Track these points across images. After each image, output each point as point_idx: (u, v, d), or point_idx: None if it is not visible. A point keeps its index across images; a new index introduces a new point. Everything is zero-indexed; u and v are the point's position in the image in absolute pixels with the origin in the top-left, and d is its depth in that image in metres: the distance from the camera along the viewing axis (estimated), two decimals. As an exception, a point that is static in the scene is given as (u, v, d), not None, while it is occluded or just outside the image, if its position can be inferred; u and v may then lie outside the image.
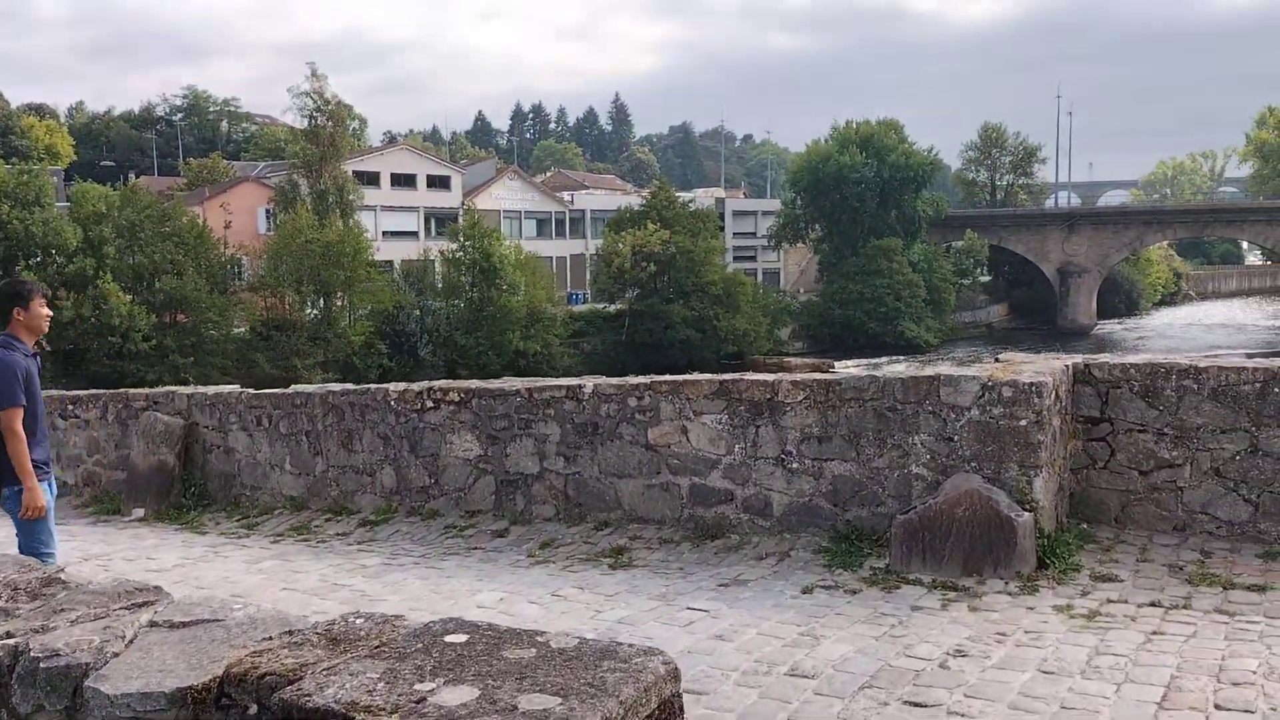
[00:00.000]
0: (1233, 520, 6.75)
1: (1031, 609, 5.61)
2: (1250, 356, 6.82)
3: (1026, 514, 6.20)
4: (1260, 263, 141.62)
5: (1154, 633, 5.20)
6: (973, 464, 6.50)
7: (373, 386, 9.18)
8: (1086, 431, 7.08)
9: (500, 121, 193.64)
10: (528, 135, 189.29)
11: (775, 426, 7.17)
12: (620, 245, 67.25)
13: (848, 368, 67.33)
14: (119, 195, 54.40)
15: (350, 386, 9.55)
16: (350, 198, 64.36)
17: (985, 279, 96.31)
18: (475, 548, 7.74)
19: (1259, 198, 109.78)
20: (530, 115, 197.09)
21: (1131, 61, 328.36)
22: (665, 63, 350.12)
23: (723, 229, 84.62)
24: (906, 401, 6.77)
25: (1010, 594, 5.91)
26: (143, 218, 52.39)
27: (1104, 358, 7.17)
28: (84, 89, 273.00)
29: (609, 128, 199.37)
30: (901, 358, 70.65)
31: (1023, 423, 6.39)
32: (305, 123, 64.38)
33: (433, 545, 7.91)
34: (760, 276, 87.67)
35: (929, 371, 6.67)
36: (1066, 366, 6.95)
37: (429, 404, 8.54)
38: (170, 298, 50.17)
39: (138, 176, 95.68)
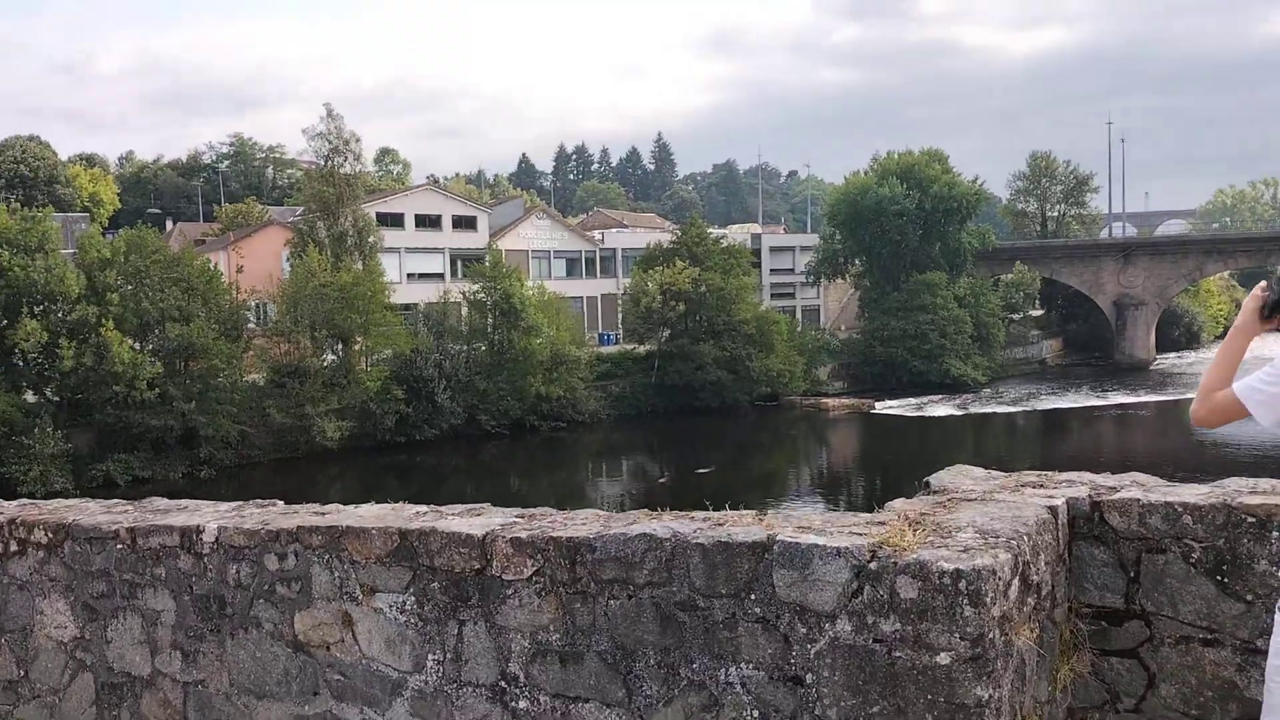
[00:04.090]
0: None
1: None
2: None
3: None
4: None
5: None
6: (842, 737, 3.07)
7: (-55, 514, 5.81)
8: (1099, 637, 3.60)
9: (544, 163, 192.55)
10: (570, 177, 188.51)
11: (490, 625, 3.77)
12: (649, 284, 64.47)
13: (887, 407, 63.39)
14: (124, 240, 52.67)
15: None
16: (370, 239, 62.16)
17: (1037, 313, 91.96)
18: (6, 823, 4.46)
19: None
20: (573, 156, 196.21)
21: (1186, 91, 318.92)
22: (713, 101, 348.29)
23: (758, 265, 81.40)
24: (714, 593, 3.32)
25: None
26: (149, 263, 50.46)
27: (1130, 490, 3.65)
28: (146, 140, 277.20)
29: (652, 167, 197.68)
30: (944, 396, 66.64)
31: (942, 659, 2.94)
32: (322, 164, 62.60)
33: (-49, 810, 4.65)
34: (799, 314, 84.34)
35: (742, 535, 3.24)
36: (1052, 511, 3.47)
37: (13, 547, 5.25)
38: (178, 345, 48.11)
39: (175, 223, 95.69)
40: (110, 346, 45.84)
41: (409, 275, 70.59)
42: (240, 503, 4.85)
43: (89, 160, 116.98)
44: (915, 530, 3.18)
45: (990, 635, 2.90)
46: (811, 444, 59.46)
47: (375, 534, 3.96)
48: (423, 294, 65.05)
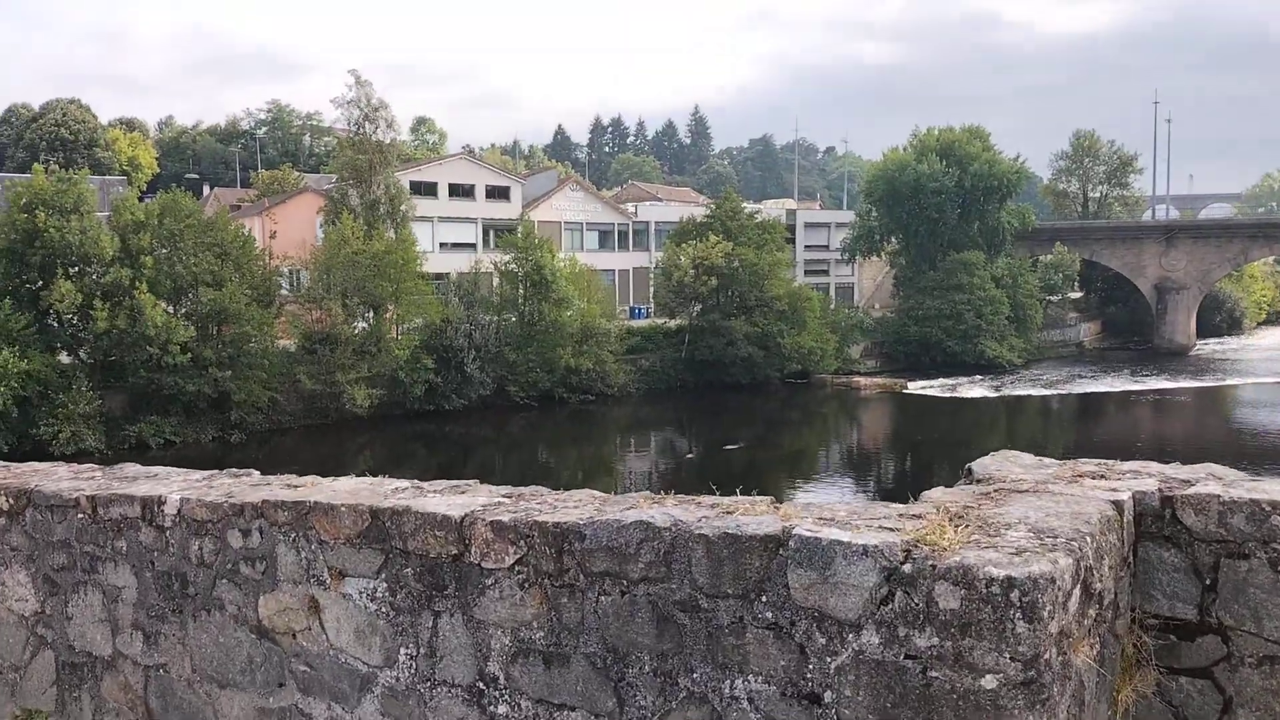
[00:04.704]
0: None
1: None
2: None
3: None
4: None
5: None
6: (864, 766, 2.60)
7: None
8: (1166, 653, 3.12)
9: (580, 135, 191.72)
10: (606, 149, 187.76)
11: (468, 618, 3.34)
12: (681, 258, 63.92)
13: (921, 387, 62.55)
14: (158, 204, 52.75)
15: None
16: (402, 208, 61.91)
17: (1076, 295, 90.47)
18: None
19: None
20: (609, 129, 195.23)
21: (1235, 71, 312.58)
22: (751, 76, 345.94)
23: (793, 241, 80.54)
24: (719, 593, 2.83)
25: None
26: (183, 227, 50.47)
27: (1207, 485, 3.16)
28: (184, 106, 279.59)
29: (688, 141, 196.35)
30: (978, 377, 65.78)
31: (988, 682, 2.47)
32: (354, 131, 62.32)
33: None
34: (833, 291, 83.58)
35: (752, 527, 2.78)
36: (1116, 507, 2.98)
37: (-29, 513, 4.88)
38: (210, 310, 48.18)
39: (212, 188, 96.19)
40: (144, 309, 45.90)
41: (441, 244, 70.40)
42: (214, 471, 4.46)
43: (129, 124, 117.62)
44: (957, 526, 2.71)
45: (1046, 655, 2.43)
46: (842, 423, 58.85)
47: (344, 512, 3.54)
48: (455, 264, 64.85)
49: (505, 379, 56.30)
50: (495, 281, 60.00)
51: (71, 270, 46.86)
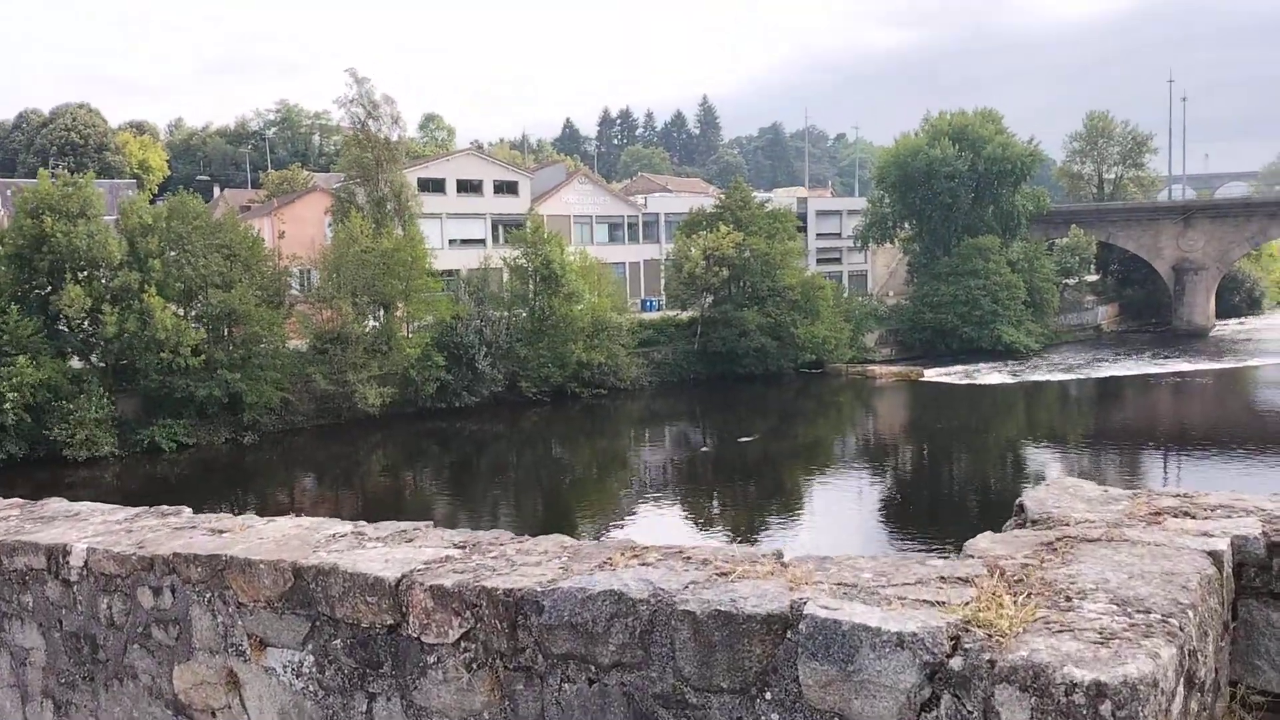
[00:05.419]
0: None
1: None
2: None
3: None
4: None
5: None
6: None
7: None
8: (1274, 739, 2.49)
9: (589, 128, 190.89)
10: (615, 142, 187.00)
11: (406, 704, 2.73)
12: (691, 249, 63.28)
13: (937, 375, 61.76)
14: (166, 207, 52.41)
15: None
16: (410, 204, 61.31)
17: (1092, 278, 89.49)
18: None
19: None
20: (618, 121, 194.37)
21: (1249, 47, 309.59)
22: (760, 64, 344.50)
23: (804, 230, 79.74)
24: (711, 686, 2.21)
25: None
26: (190, 229, 50.09)
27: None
28: (198, 107, 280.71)
29: (697, 131, 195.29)
30: (995, 363, 65.00)
31: (1066, 821, 1.85)
32: (358, 129, 61.69)
33: None
34: (846, 279, 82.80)
35: (751, 603, 2.15)
36: (1214, 559, 2.35)
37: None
38: (220, 311, 47.79)
39: (221, 190, 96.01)
40: (153, 312, 45.58)
41: (450, 241, 69.94)
42: (139, 510, 3.87)
43: (139, 127, 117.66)
44: (1017, 595, 2.09)
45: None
46: (858, 412, 58.14)
47: (264, 570, 2.93)
48: (464, 260, 64.34)
49: (517, 375, 55.87)
50: (505, 277, 59.44)
51: (80, 274, 46.55)
